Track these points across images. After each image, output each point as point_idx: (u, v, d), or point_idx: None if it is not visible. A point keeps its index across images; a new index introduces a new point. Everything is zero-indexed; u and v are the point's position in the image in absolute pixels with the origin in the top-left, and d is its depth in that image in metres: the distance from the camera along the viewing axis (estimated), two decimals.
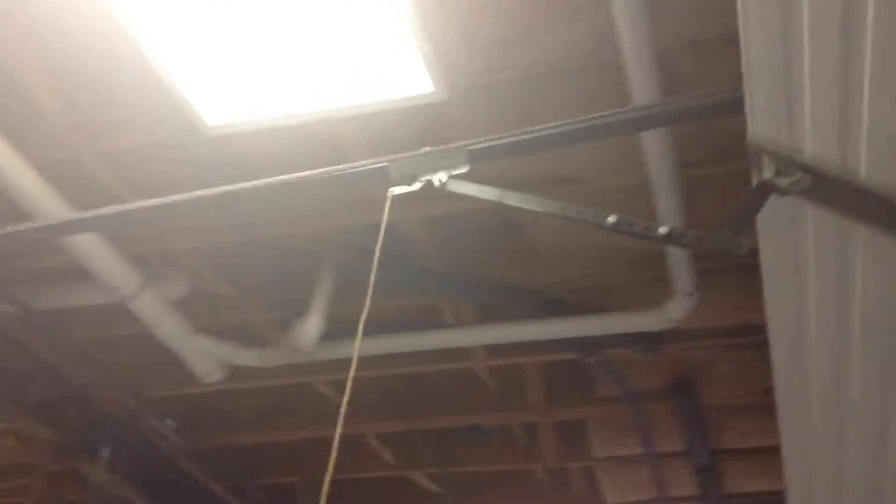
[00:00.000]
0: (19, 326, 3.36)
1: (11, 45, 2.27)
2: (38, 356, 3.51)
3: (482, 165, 2.26)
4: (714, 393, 3.48)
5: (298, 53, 1.99)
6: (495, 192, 1.87)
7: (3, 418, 3.75)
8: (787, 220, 1.57)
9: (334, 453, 1.63)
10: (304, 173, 1.94)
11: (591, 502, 4.30)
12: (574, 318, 3.02)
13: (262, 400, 3.83)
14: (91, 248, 2.66)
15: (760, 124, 1.43)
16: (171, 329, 3.12)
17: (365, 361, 3.29)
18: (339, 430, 1.66)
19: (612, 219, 1.69)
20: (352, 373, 1.78)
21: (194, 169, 2.52)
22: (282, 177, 1.94)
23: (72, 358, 3.60)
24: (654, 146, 2.17)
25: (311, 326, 3.01)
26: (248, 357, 3.31)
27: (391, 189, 1.87)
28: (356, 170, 1.92)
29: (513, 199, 1.86)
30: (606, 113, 1.77)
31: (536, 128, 1.81)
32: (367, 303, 1.89)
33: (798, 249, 1.63)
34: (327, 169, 1.93)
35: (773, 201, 1.47)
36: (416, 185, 1.85)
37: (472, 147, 1.84)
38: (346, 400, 1.69)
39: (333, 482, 4.73)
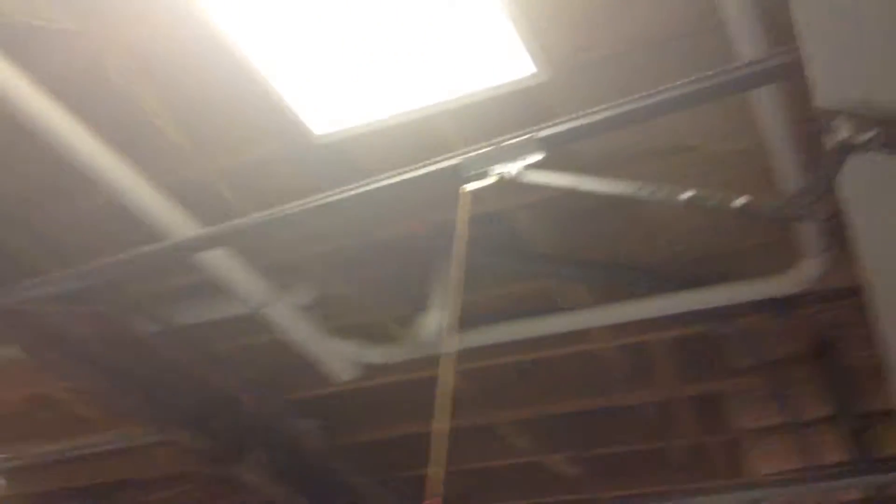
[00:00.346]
0: (165, 343, 3.58)
1: (134, 78, 2.43)
2: (185, 369, 3.73)
3: (585, 145, 2.25)
4: (857, 354, 3.30)
5: (395, 52, 2.03)
6: (569, 179, 1.87)
7: (159, 430, 4.02)
8: (869, 177, 1.49)
9: (436, 445, 1.66)
10: (380, 179, 2.00)
11: (735, 477, 4.17)
12: (701, 290, 2.93)
13: (395, 394, 3.93)
14: (223, 262, 2.81)
15: (826, 85, 1.36)
16: (303, 333, 3.26)
17: (489, 350, 3.34)
18: (442, 421, 1.69)
19: (686, 195, 1.68)
20: (443, 368, 1.81)
21: (308, 176, 2.61)
22: (359, 185, 1.99)
23: (216, 368, 3.81)
24: (766, 104, 2.08)
25: (433, 320, 3.06)
26: (377, 354, 3.41)
27: (464, 186, 1.88)
28: (428, 169, 1.94)
29: (587, 184, 1.86)
30: (716, 72, 1.71)
31: (636, 96, 1.78)
32: (452, 300, 1.92)
33: (886, 204, 1.54)
34: (400, 171, 1.98)
35: (852, 160, 1.40)
36: (490, 180, 1.85)
37: (543, 135, 1.82)
38: (440, 391, 1.73)
39: (470, 473, 4.77)
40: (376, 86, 2.13)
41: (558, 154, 1.95)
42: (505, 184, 1.87)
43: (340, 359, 3.44)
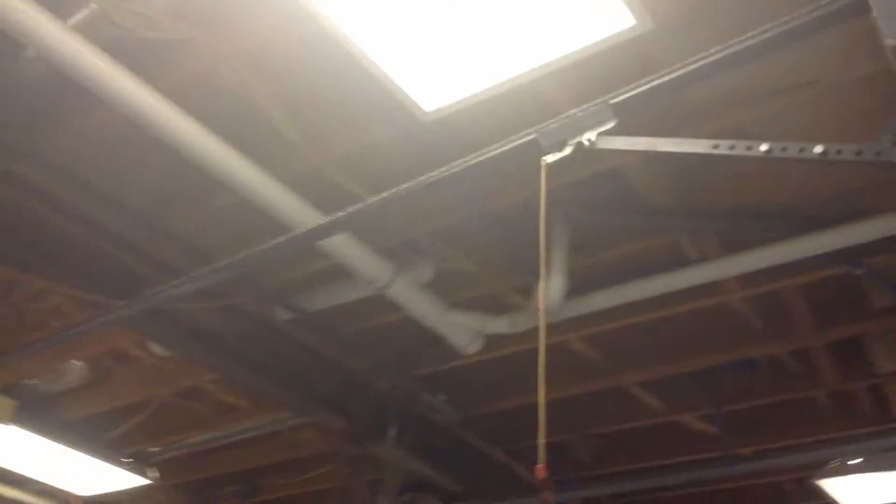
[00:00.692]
0: (300, 329, 3.75)
1: (247, 80, 2.54)
2: (320, 353, 3.89)
3: (695, 89, 2.19)
4: None
5: (494, 17, 2.03)
6: (644, 142, 1.88)
7: (300, 413, 4.21)
8: None
9: (542, 419, 1.68)
10: (467, 160, 2.03)
11: (882, 422, 3.98)
12: (833, 230, 2.80)
13: (520, 364, 3.95)
14: (346, 247, 2.91)
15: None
16: (426, 310, 3.33)
17: (616, 311, 3.32)
18: (541, 395, 1.71)
19: (764, 146, 1.66)
20: (542, 345, 1.82)
21: (419, 155, 2.66)
22: (451, 167, 2.02)
23: (348, 350, 3.96)
24: None
25: (553, 286, 3.06)
26: (499, 325, 3.44)
27: (544, 158, 1.92)
28: (508, 147, 1.98)
29: (664, 145, 1.87)
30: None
31: (734, 41, 1.72)
32: (542, 273, 1.93)
33: None
34: (483, 151, 2.00)
35: None
36: (568, 150, 1.89)
37: (616, 100, 1.83)
38: (542, 361, 1.75)
39: (606, 436, 4.76)
40: (479, 55, 2.14)
41: (664, 102, 1.94)
42: (584, 152, 1.90)
43: (465, 332, 3.50)
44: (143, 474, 4.95)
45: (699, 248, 3.09)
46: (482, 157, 2.04)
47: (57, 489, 5.27)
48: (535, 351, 3.76)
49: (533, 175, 2.72)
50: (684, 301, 3.31)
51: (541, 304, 2.20)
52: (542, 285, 1.88)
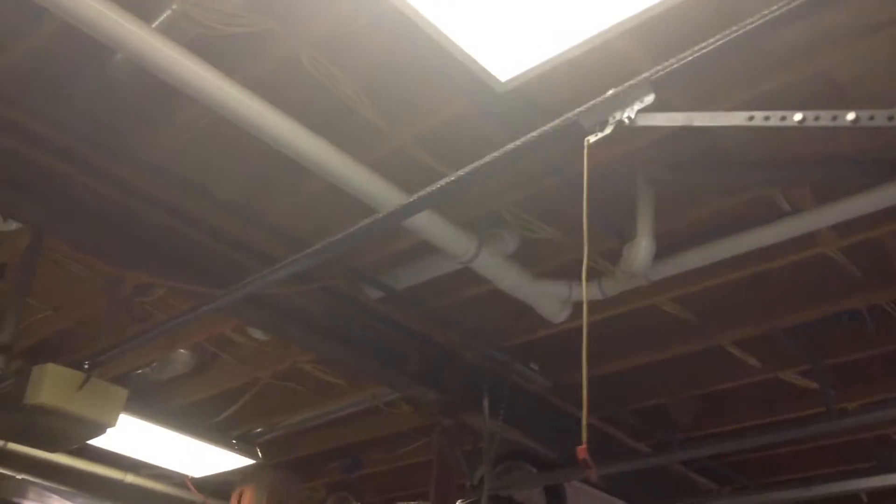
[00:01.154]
0: (390, 307, 3.82)
1: (323, 64, 2.59)
2: (411, 329, 3.96)
3: (775, 37, 2.13)
4: None
5: None
6: (681, 117, 1.93)
7: (395, 389, 4.30)
8: None
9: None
10: (510, 145, 2.03)
11: None
12: None
13: (611, 329, 3.94)
14: (431, 224, 2.95)
15: None
16: (513, 281, 3.35)
17: (708, 270, 3.26)
18: (584, 370, 1.73)
19: (798, 116, 1.71)
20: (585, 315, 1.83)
21: (497, 126, 2.67)
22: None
23: (438, 325, 4.02)
24: None
25: (641, 249, 3.02)
26: (588, 291, 3.43)
27: (587, 138, 1.95)
28: (550, 131, 1.98)
29: (700, 119, 1.91)
30: None
31: None
32: (585, 257, 1.93)
33: None
34: (526, 137, 2.00)
35: None
36: (609, 129, 1.93)
37: (655, 76, 1.85)
38: (585, 340, 1.77)
39: (704, 397, 4.69)
40: (551, 18, 2.12)
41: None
42: (626, 130, 1.93)
43: (553, 300, 3.50)
44: (250, 454, 5.17)
45: (792, 200, 3.00)
46: (525, 140, 2.04)
47: (172, 472, 5.56)
48: (625, 315, 3.79)
49: (611, 137, 2.69)
50: (780, 255, 3.22)
51: (584, 290, 2.27)
52: (584, 269, 1.91)
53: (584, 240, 1.98)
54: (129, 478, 5.59)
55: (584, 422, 1.79)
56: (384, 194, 2.76)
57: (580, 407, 4.75)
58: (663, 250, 3.10)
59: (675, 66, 1.85)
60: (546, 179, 3.00)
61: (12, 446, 5.00)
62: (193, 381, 4.82)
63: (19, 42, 2.60)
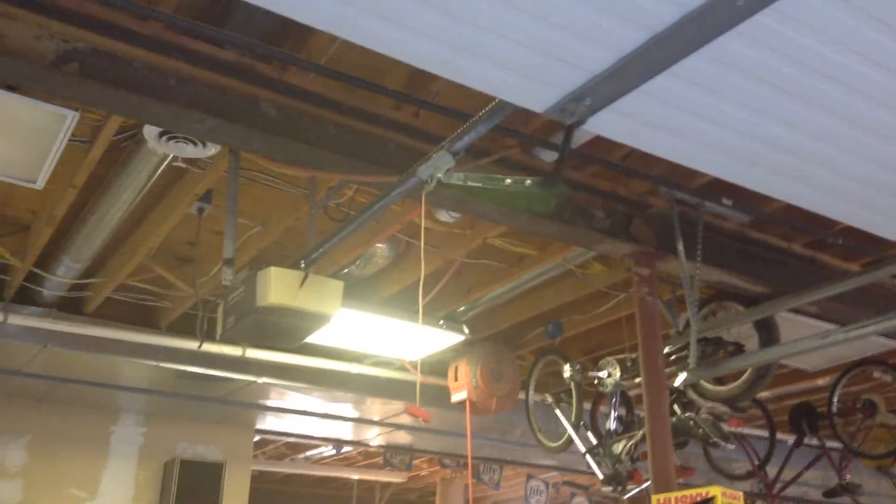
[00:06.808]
0: (567, 167, 3.81)
1: None
2: (593, 186, 3.94)
3: None
4: None
5: None
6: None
7: (586, 247, 4.32)
8: None
9: None
10: None
11: None
12: None
13: None
14: None
15: None
16: None
17: None
18: None
19: None
20: None
21: None
22: None
23: (618, 178, 3.98)
24: None
25: None
26: None
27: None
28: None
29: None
30: None
31: None
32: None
33: None
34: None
35: None
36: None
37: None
38: None
39: None
40: None
41: None
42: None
43: None
44: (459, 331, 5.46)
45: None
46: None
47: (391, 359, 6.00)
48: None
49: None
50: None
51: None
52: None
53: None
54: (355, 368, 6.08)
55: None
56: None
57: (782, 237, 4.57)
58: None
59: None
60: None
61: (250, 354, 5.60)
62: (394, 272, 5.11)
63: None
